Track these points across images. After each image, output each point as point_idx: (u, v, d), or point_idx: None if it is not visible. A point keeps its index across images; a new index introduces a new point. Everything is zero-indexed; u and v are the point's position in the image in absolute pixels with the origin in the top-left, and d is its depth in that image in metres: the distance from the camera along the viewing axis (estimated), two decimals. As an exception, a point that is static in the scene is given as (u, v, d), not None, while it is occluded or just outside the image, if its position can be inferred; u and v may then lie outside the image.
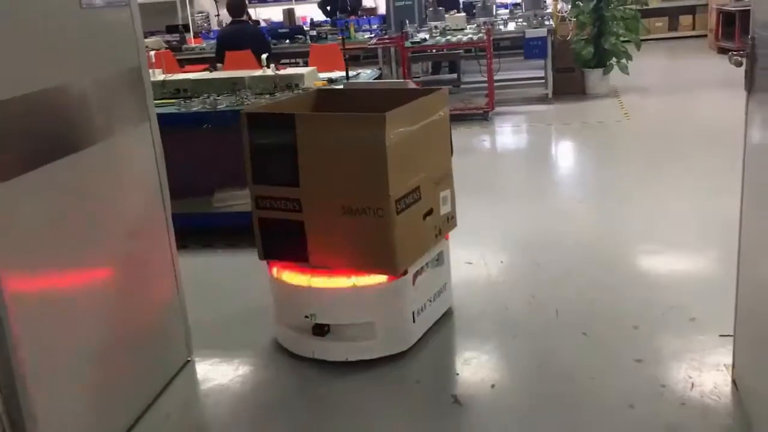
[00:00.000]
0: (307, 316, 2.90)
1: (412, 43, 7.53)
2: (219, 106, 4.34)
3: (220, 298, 3.74)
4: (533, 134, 7.03)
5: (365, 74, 5.44)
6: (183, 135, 4.75)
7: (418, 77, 10.13)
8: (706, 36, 12.13)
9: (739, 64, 2.39)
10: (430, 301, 3.12)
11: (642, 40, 8.45)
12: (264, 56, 4.92)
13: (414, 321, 2.98)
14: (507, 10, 10.82)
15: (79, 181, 2.37)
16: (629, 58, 8.06)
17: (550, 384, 2.71)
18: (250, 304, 3.61)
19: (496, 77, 7.73)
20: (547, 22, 8.17)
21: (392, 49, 8.41)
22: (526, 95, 8.50)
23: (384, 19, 9.18)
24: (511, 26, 8.40)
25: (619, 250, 3.91)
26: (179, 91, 4.80)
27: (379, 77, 5.56)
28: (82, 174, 2.38)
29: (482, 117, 7.48)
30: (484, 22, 8.07)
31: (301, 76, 4.70)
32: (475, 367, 2.88)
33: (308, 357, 2.97)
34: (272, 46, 8.10)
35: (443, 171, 3.10)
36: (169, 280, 2.97)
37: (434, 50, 8.03)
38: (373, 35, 8.69)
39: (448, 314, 3.27)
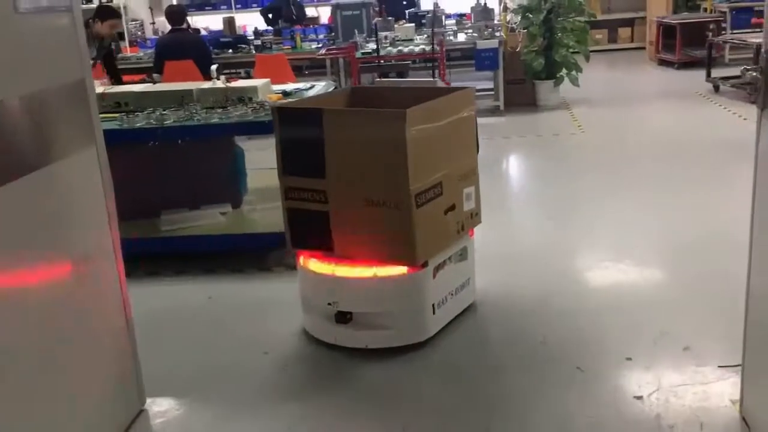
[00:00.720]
0: (329, 304, 2.99)
1: (364, 53, 7.29)
2: (166, 122, 3.99)
3: (172, 335, 3.40)
4: (490, 148, 6.86)
5: (319, 86, 5.16)
6: (126, 153, 4.39)
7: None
8: (644, 48, 12.34)
9: (755, 80, 2.22)
10: (452, 294, 3.19)
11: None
12: (213, 67, 4.59)
13: (434, 312, 3.06)
14: (453, 21, 10.72)
15: (14, 214, 2.02)
16: (579, 69, 8.03)
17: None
18: (205, 341, 3.29)
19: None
20: (497, 34, 8.07)
21: (341, 60, 8.16)
22: (477, 107, 8.36)
23: (330, 28, 8.92)
24: (461, 37, 8.26)
25: (591, 270, 3.76)
26: (120, 104, 4.42)
27: (336, 89, 5.28)
28: (17, 205, 2.03)
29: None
30: (435, 33, 7.90)
31: (254, 89, 4.39)
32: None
33: (331, 343, 3.07)
34: (214, 56, 7.75)
35: (468, 168, 3.19)
36: (118, 320, 2.63)
37: (383, 61, 7.82)
38: (320, 45, 8.42)
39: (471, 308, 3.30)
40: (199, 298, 3.78)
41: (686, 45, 10.20)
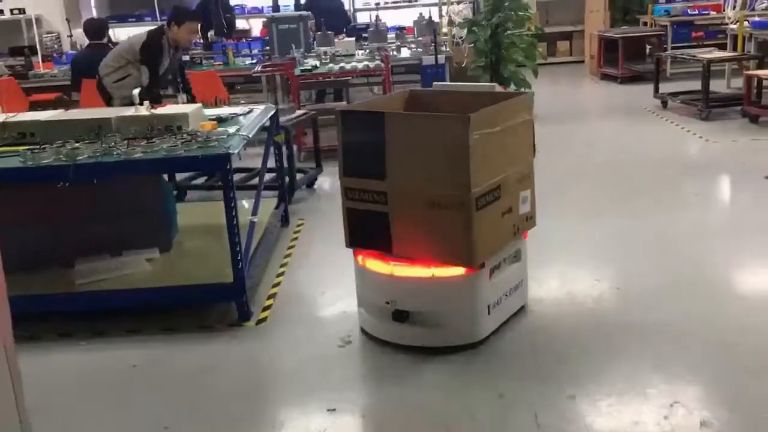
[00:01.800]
0: (387, 302, 3.08)
1: (303, 70, 6.76)
2: (79, 157, 3.36)
3: (84, 415, 2.79)
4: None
5: (258, 110, 4.61)
6: (31, 193, 3.75)
7: (303, 106, 9.35)
8: (583, 62, 12.23)
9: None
10: (506, 295, 3.24)
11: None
12: (135, 91, 3.97)
13: (489, 313, 3.12)
14: (393, 35, 10.30)
15: None
16: (528, 85, 7.71)
17: None
18: (125, 424, 2.70)
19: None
20: (443, 48, 7.67)
21: (278, 77, 7.61)
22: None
23: (265, 43, 8.34)
24: (405, 52, 7.82)
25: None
26: (25, 135, 3.77)
27: (276, 113, 4.74)
28: None
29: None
30: (378, 48, 7.44)
31: (184, 117, 3.81)
32: None
33: (387, 341, 3.15)
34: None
35: (525, 171, 3.26)
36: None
37: (321, 77, 7.30)
38: (254, 61, 7.83)
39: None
40: (122, 366, 3.19)
41: (628, 59, 10.07)
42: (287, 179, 5.30)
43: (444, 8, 8.64)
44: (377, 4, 12.49)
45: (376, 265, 3.18)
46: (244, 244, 3.67)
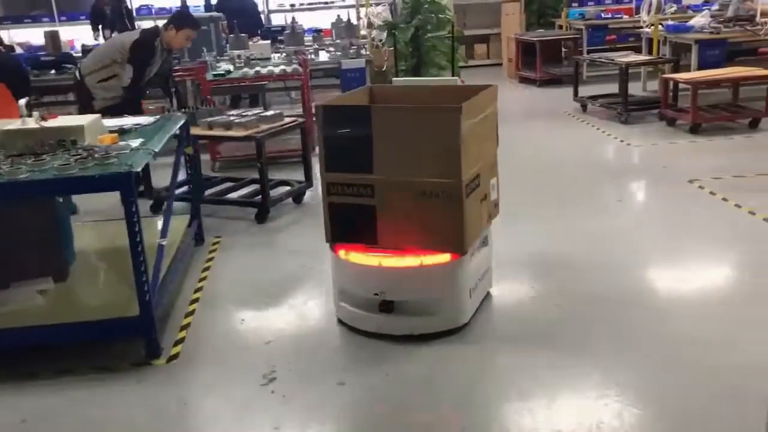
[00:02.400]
0: (376, 294, 3.13)
1: (216, 75, 6.36)
2: (-48, 180, 2.91)
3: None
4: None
5: (166, 119, 4.22)
6: None
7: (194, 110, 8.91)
8: (501, 64, 12.26)
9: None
10: (480, 279, 3.39)
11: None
12: (22, 102, 3.52)
13: (470, 297, 3.26)
14: (310, 37, 9.98)
15: None
16: (450, 90, 7.55)
17: None
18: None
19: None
20: (363, 52, 7.41)
21: (188, 82, 7.16)
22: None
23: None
24: (323, 56, 7.52)
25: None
26: None
27: (187, 121, 4.35)
28: None
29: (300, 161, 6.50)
30: (295, 52, 7.11)
31: (79, 130, 3.39)
32: None
33: (373, 332, 3.19)
34: (33, 78, 6.49)
35: (493, 160, 3.43)
36: None
37: (235, 83, 6.91)
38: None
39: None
40: (9, 421, 2.76)
41: (545, 62, 10.10)
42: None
43: (362, 10, 8.37)
44: (292, 5, 12.12)
45: (361, 257, 3.19)
46: (152, 271, 3.29)
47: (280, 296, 3.77)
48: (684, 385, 2.75)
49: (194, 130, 5.01)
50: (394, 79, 4.41)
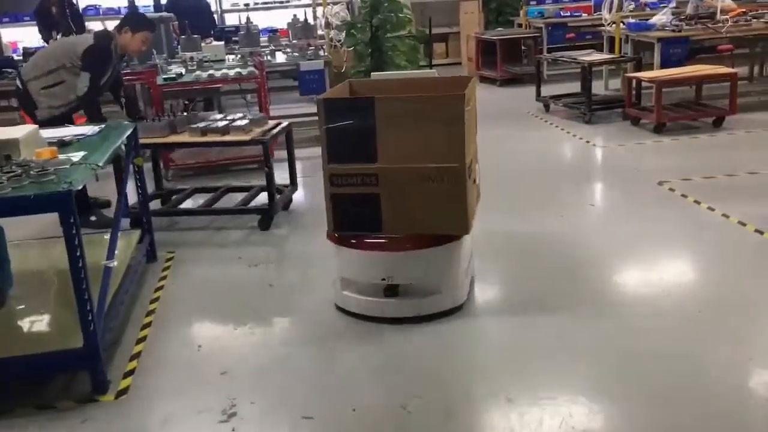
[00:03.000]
0: (383, 279, 3.25)
1: (166, 79, 6.04)
2: None
3: None
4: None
5: (112, 128, 3.92)
6: None
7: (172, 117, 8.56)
8: (460, 63, 12.13)
9: None
10: (469, 261, 3.57)
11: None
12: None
13: (466, 276, 3.47)
14: (266, 38, 9.68)
15: None
16: (411, 91, 7.35)
17: None
18: None
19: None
20: (322, 53, 7.16)
21: (138, 86, 6.81)
22: (304, 136, 7.40)
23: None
24: (280, 57, 7.24)
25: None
26: None
27: (135, 130, 4.05)
28: None
29: (259, 167, 6.22)
30: (251, 53, 6.82)
31: (13, 144, 3.08)
32: None
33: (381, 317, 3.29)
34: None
35: (476, 146, 3.60)
36: None
37: (188, 86, 6.59)
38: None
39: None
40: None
41: (506, 61, 9.99)
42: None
43: (320, 9, 8.12)
44: (246, 4, 11.79)
45: (367, 245, 3.29)
46: (99, 296, 3.01)
47: (239, 318, 3.51)
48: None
49: (178, 138, 4.87)
50: (372, 73, 4.48)
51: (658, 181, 5.21)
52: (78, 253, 2.74)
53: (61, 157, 3.17)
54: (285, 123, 5.17)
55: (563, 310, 3.38)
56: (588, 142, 6.63)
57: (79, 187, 2.77)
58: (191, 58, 6.71)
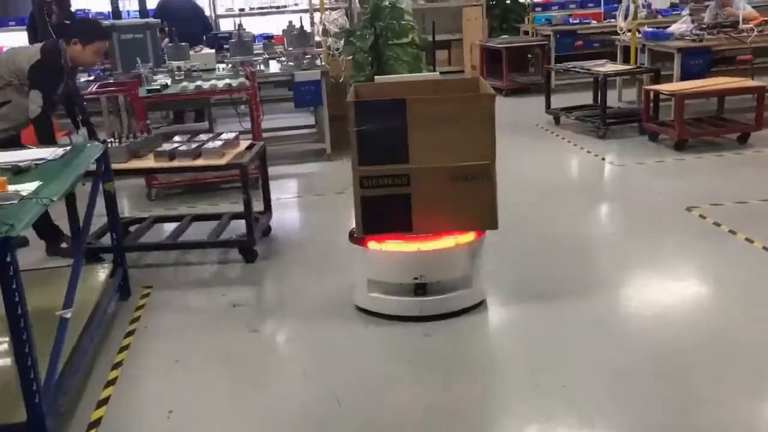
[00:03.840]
0: (416, 278, 3.33)
1: (151, 90, 5.58)
2: None
3: None
4: (323, 211, 5.44)
5: (79, 148, 3.46)
6: None
7: (158, 127, 8.10)
8: (462, 71, 11.69)
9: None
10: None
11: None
12: None
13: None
14: (260, 44, 9.22)
15: None
16: (414, 102, 6.89)
17: None
18: None
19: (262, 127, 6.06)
20: (319, 63, 6.70)
21: (121, 97, 6.36)
22: (299, 150, 6.95)
23: (106, 56, 7.01)
24: (274, 66, 6.78)
25: None
26: None
27: (105, 153, 3.59)
28: None
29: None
30: (242, 62, 6.36)
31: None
32: None
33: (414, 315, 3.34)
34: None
35: None
36: None
37: (173, 99, 6.13)
38: (91, 78, 6.52)
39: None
40: None
41: (512, 70, 9.54)
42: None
43: (317, 15, 7.66)
44: (241, 9, 11.36)
45: (398, 245, 3.38)
46: (50, 357, 2.54)
47: (218, 376, 3.04)
48: None
49: (142, 164, 4.29)
50: (376, 77, 4.31)
51: (687, 206, 4.75)
52: (19, 312, 2.27)
53: (11, 188, 2.72)
54: (259, 144, 4.61)
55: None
56: (603, 159, 6.17)
57: (18, 234, 2.29)
58: (179, 68, 6.25)
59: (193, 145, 4.36)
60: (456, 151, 3.20)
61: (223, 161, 4.21)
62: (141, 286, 3.95)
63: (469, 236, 3.40)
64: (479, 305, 3.47)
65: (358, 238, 3.38)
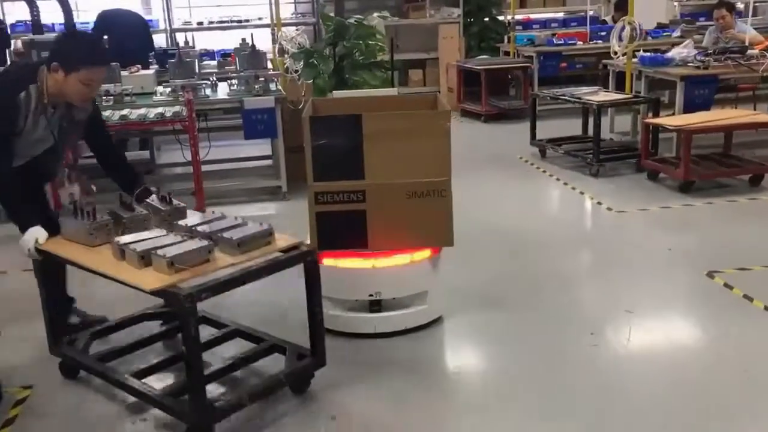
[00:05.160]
0: (371, 295, 3.32)
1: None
2: None
3: None
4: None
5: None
6: None
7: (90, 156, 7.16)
8: (438, 92, 10.92)
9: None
10: None
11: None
12: None
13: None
14: (215, 63, 8.34)
15: None
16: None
17: None
18: None
19: (207, 158, 5.18)
20: (274, 87, 5.83)
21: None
22: (250, 186, 6.05)
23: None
24: (223, 90, 5.90)
25: None
26: None
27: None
28: None
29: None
30: (183, 87, 5.47)
31: None
32: None
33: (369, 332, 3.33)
34: None
35: None
36: None
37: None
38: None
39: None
40: None
41: (491, 94, 8.77)
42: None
43: (276, 32, 6.80)
44: (200, 23, 10.47)
45: (352, 262, 3.33)
46: None
47: None
48: None
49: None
50: (334, 92, 4.29)
51: (706, 270, 3.95)
52: None
53: None
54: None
55: None
56: (600, 203, 5.37)
57: None
58: (107, 92, 5.35)
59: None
60: (412, 167, 3.18)
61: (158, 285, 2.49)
62: (20, 387, 3.02)
63: (425, 253, 3.36)
64: (436, 321, 3.44)
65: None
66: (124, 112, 4.85)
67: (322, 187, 3.19)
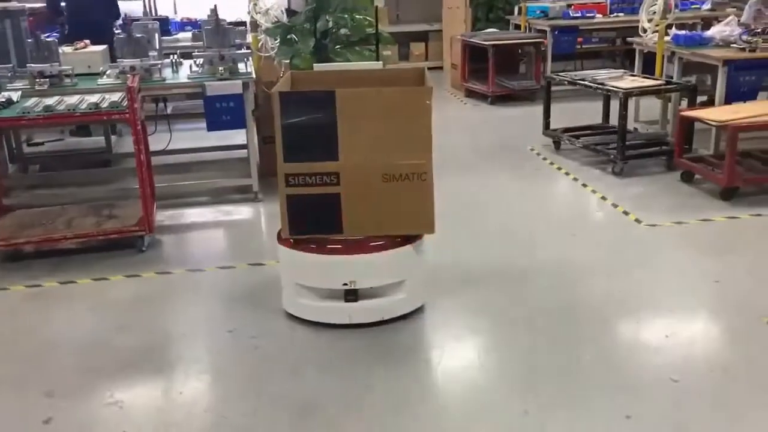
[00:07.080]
0: (345, 284, 3.10)
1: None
2: None
3: None
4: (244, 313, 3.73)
5: None
6: None
7: (40, 144, 6.37)
8: (441, 68, 10.03)
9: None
10: None
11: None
12: None
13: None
14: (189, 35, 7.45)
15: None
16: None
17: None
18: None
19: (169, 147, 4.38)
20: (243, 68, 4.95)
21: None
22: (215, 186, 5.20)
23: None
24: (185, 72, 5.02)
25: None
26: None
27: None
28: None
29: (136, 248, 4.05)
30: (132, 68, 4.61)
31: None
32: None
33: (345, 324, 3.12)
34: None
35: None
36: None
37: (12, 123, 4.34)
38: None
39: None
40: None
41: (499, 72, 7.86)
42: None
43: (250, 4, 5.89)
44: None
45: (327, 249, 3.10)
46: None
47: None
48: None
49: None
50: (315, 64, 3.89)
51: (760, 314, 3.12)
52: None
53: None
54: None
55: None
56: (626, 213, 4.51)
57: None
58: (41, 73, 4.50)
59: None
60: (389, 148, 3.00)
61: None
62: None
63: (405, 240, 3.14)
64: (416, 312, 3.22)
65: (284, 239, 3.16)
66: (51, 101, 3.98)
67: (292, 168, 3.00)
